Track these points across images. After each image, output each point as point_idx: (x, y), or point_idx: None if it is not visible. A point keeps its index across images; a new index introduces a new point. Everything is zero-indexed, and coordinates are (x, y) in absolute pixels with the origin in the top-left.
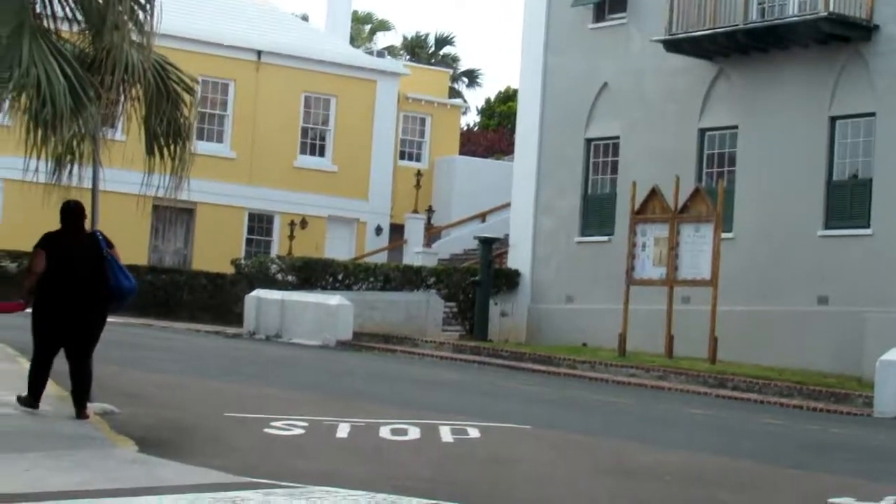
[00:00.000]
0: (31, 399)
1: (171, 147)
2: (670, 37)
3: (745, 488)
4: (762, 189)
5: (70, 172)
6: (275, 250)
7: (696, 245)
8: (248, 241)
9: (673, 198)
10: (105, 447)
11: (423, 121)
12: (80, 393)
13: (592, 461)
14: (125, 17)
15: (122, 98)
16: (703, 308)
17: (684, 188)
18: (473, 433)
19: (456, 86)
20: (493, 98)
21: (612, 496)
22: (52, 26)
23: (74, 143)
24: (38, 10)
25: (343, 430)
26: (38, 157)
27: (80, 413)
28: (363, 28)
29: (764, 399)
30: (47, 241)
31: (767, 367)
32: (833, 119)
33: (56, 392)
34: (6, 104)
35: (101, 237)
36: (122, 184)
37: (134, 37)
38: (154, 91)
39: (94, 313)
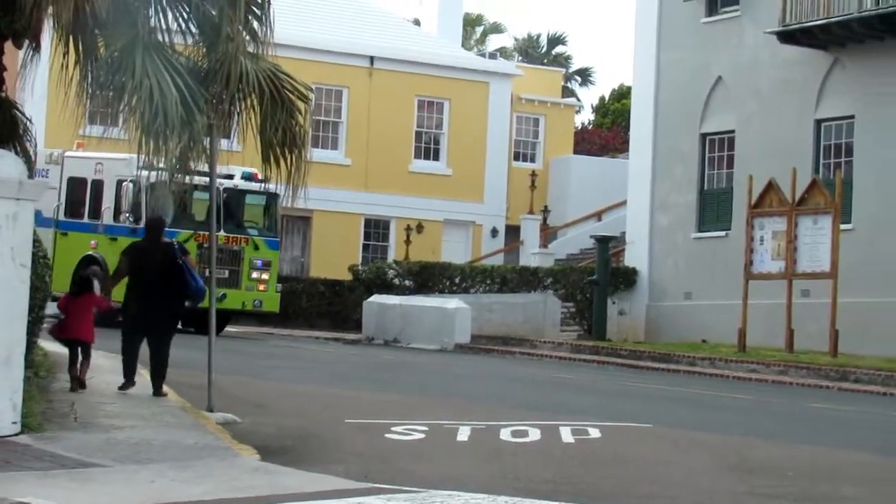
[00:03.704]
0: (126, 382)
1: (287, 155)
2: (784, 28)
3: (870, 483)
4: (881, 179)
5: (184, 183)
6: (391, 255)
7: (815, 237)
8: (365, 247)
9: (790, 190)
10: (228, 457)
11: (536, 121)
12: (155, 374)
13: (714, 458)
14: (239, 27)
15: (237, 108)
16: (823, 301)
17: (801, 180)
18: (594, 433)
19: (569, 85)
20: (606, 96)
21: (735, 493)
22: (166, 39)
23: (189, 153)
24: (152, 23)
25: (463, 434)
26: (151, 168)
27: (156, 391)
28: (475, 31)
29: (887, 391)
30: (131, 250)
31: (890, 359)
32: None
33: (178, 403)
34: (122, 116)
35: (176, 246)
36: None
37: (248, 48)
38: (268, 100)
39: (165, 309)
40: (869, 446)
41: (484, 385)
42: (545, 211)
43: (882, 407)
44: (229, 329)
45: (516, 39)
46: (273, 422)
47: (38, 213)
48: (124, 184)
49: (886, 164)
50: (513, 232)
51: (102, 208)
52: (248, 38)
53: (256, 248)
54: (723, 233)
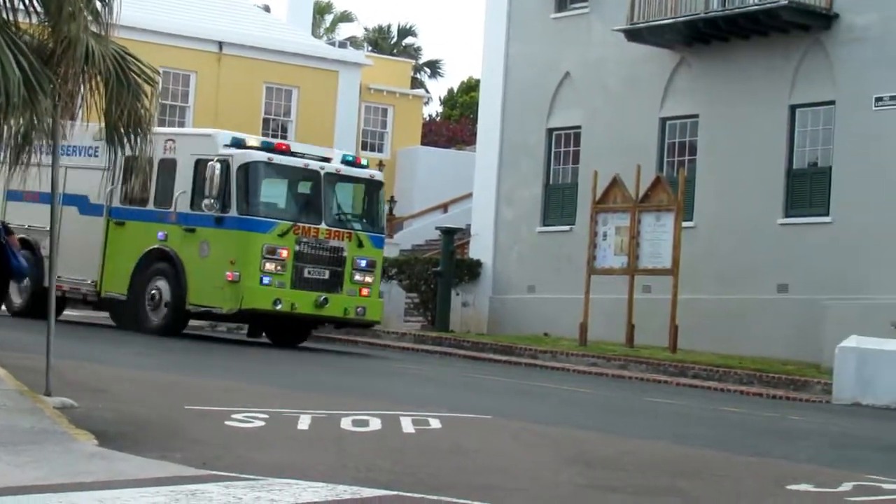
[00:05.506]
0: None
1: (132, 138)
2: (631, 26)
3: (705, 476)
4: (722, 178)
5: (28, 162)
6: None
7: (657, 234)
8: None
9: (634, 187)
10: (64, 442)
11: (385, 111)
12: None
13: (554, 451)
14: (81, 6)
15: (81, 89)
16: (663, 297)
17: (645, 177)
18: (434, 424)
19: (418, 76)
20: (455, 88)
21: (574, 485)
22: (10, 18)
23: (32, 134)
24: None
25: (304, 422)
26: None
27: None
28: (325, 19)
29: (724, 387)
30: None
31: (727, 356)
32: (793, 108)
33: (15, 387)
34: None
35: (1, 227)
36: None
37: (93, 28)
38: (114, 82)
39: None
40: (705, 441)
41: (325, 374)
42: (391, 201)
43: (718, 402)
44: (69, 313)
45: (366, 29)
46: (112, 407)
47: (85, 199)
48: (209, 164)
49: (728, 163)
50: None
51: (175, 193)
52: (91, 17)
53: (360, 244)
54: (567, 227)
